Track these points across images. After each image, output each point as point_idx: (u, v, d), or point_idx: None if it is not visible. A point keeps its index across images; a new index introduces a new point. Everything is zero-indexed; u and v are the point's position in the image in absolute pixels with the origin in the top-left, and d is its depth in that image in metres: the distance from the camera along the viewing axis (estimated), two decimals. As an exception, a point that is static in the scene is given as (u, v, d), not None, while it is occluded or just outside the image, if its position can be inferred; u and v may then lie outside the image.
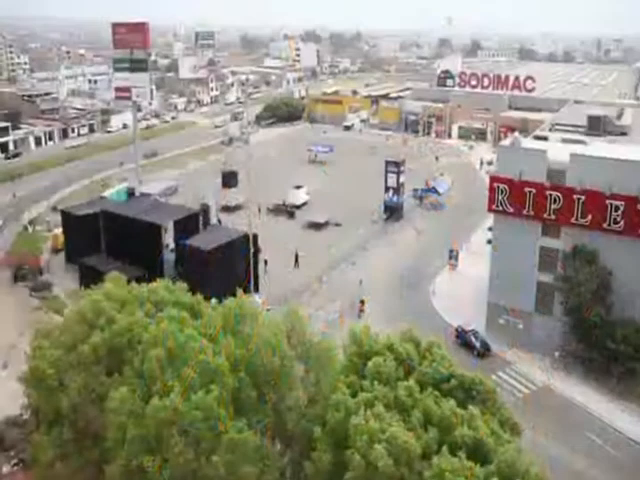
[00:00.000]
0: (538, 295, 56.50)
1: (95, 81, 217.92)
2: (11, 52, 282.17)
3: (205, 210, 73.20)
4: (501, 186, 55.77)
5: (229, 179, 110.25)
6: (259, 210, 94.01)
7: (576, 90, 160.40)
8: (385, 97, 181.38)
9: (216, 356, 31.20)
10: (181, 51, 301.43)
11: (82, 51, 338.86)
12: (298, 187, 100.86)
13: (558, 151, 55.57)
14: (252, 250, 68.21)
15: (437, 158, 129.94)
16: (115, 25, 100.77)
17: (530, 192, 54.06)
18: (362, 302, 64.40)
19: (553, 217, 53.53)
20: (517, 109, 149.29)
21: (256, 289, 69.52)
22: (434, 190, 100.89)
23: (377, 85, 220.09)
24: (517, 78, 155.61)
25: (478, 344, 56.45)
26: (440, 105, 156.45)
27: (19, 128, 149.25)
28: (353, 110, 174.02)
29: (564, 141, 63.54)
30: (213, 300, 63.29)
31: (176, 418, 27.64)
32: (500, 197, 55.80)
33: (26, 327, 60.47)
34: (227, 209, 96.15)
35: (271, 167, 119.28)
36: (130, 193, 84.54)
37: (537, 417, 45.72)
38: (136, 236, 69.63)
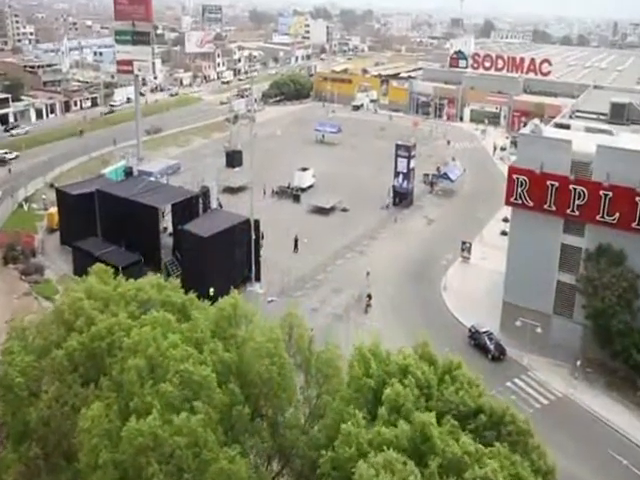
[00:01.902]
0: (558, 296, 52.73)
1: (100, 53, 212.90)
2: (17, 22, 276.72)
3: (205, 193, 69.56)
4: (520, 178, 51.83)
5: (233, 158, 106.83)
6: (264, 192, 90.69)
7: (593, 75, 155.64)
8: (395, 77, 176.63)
9: (202, 365, 27.82)
10: (189, 25, 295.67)
11: (89, 22, 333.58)
12: (304, 169, 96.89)
13: (582, 141, 51.60)
14: (254, 237, 64.75)
15: (449, 142, 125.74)
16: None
17: (552, 185, 50.14)
18: (369, 296, 60.73)
19: (577, 213, 49.63)
20: (532, 93, 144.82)
21: (257, 278, 66.18)
22: (446, 176, 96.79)
23: (388, 64, 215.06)
24: (533, 61, 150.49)
25: (492, 347, 52.79)
26: (452, 87, 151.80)
27: (20, 100, 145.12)
28: (362, 89, 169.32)
29: (588, 130, 59.55)
30: (211, 290, 60.64)
31: (155, 444, 24.24)
32: (519, 190, 51.90)
33: (13, 315, 57.39)
34: (230, 190, 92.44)
35: (277, 147, 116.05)
36: (128, 172, 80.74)
37: (555, 431, 42.34)
38: (132, 219, 66.49)
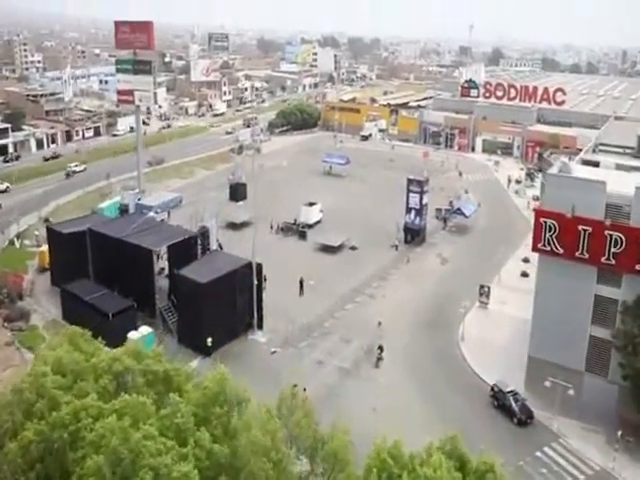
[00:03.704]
0: (590, 353, 47.35)
1: (106, 82, 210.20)
2: (25, 50, 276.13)
3: (204, 233, 64.95)
4: (549, 222, 46.85)
5: (237, 192, 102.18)
6: (271, 227, 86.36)
7: (607, 104, 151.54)
8: (404, 106, 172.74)
9: (180, 462, 22.98)
10: (196, 53, 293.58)
11: (97, 51, 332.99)
12: (311, 204, 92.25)
13: (617, 181, 46.80)
14: (256, 282, 59.94)
15: (461, 174, 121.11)
16: (118, 23, 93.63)
17: (585, 231, 45.15)
18: (380, 348, 55.51)
19: (613, 262, 44.53)
20: (546, 123, 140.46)
21: (260, 326, 61.26)
22: (459, 211, 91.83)
23: (396, 93, 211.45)
24: (546, 90, 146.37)
25: (518, 409, 47.35)
26: (464, 116, 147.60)
27: (21, 129, 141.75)
28: (371, 119, 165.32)
29: (619, 167, 54.75)
30: (209, 340, 55.92)
31: None
32: (548, 235, 46.97)
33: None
34: (233, 226, 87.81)
35: (283, 179, 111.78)
36: (123, 210, 76.18)
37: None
38: (125, 261, 62.09)
